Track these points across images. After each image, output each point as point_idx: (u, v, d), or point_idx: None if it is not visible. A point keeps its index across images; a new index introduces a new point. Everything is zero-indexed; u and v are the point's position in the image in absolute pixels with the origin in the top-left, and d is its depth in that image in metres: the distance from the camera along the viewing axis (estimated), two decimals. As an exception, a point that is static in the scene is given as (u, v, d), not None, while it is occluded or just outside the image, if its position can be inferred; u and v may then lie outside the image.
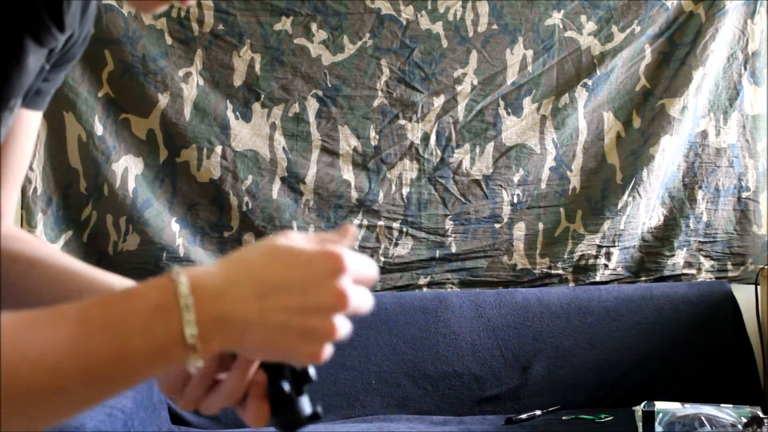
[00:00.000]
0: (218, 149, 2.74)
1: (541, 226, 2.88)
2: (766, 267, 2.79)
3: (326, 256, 0.59)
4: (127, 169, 2.69)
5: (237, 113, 2.75)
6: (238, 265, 0.58)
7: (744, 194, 2.92)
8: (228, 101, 2.75)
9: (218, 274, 0.57)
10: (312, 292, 0.58)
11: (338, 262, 0.59)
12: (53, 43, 0.74)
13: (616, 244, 2.87)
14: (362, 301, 0.62)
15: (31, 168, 2.61)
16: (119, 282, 0.80)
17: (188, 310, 0.55)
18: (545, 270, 2.88)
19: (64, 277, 0.80)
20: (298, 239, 0.61)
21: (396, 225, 2.84)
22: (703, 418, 2.20)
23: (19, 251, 0.84)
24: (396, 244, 2.84)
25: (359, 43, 2.79)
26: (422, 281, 2.86)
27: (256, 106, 2.77)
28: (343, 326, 0.61)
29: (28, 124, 0.86)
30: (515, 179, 2.86)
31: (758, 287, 2.80)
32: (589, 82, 2.85)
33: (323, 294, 0.58)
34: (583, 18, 2.85)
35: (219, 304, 0.56)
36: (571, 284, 2.89)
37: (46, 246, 0.88)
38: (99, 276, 0.81)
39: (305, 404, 0.68)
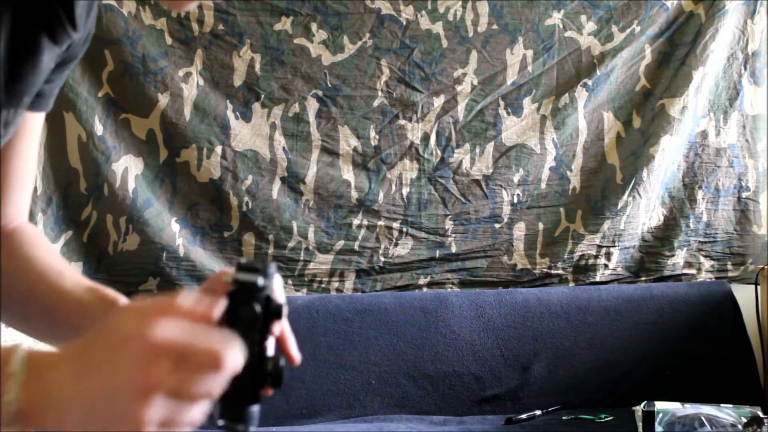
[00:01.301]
0: (218, 149, 2.74)
1: (541, 226, 2.88)
2: (766, 267, 2.79)
3: (134, 335, 0.55)
4: (127, 169, 2.69)
5: (237, 113, 2.75)
6: (78, 344, 0.58)
7: (744, 194, 2.92)
8: (228, 101, 2.75)
9: (57, 354, 0.58)
10: (118, 373, 0.56)
11: (143, 341, 0.55)
12: (67, 41, 0.74)
13: (616, 244, 2.87)
14: (187, 383, 0.56)
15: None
16: (96, 296, 0.82)
17: (15, 377, 0.56)
18: (545, 270, 2.88)
19: (49, 301, 0.82)
20: (132, 315, 0.58)
21: (396, 225, 2.84)
22: (703, 418, 2.20)
23: (21, 253, 0.85)
24: (396, 244, 2.84)
25: (359, 43, 2.79)
26: (422, 281, 2.86)
27: (256, 106, 2.77)
28: (157, 411, 0.55)
29: (32, 125, 0.86)
30: (515, 179, 2.86)
31: (758, 287, 2.80)
32: (589, 82, 2.85)
33: (127, 375, 0.55)
34: (583, 18, 2.85)
35: (44, 380, 0.57)
36: (571, 284, 2.89)
37: (45, 256, 0.88)
38: (73, 297, 0.82)
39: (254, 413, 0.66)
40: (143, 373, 0.55)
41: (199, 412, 0.58)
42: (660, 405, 2.27)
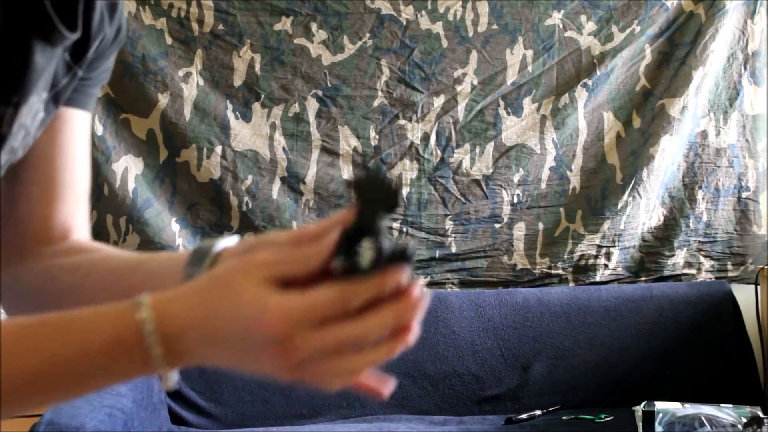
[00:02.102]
0: (218, 149, 2.74)
1: (541, 226, 2.88)
2: (766, 267, 2.79)
3: (264, 327, 0.56)
4: (127, 169, 2.69)
5: (237, 113, 2.75)
6: (202, 304, 0.58)
7: (744, 194, 2.92)
8: (228, 101, 2.75)
9: (182, 310, 0.58)
10: (255, 359, 0.58)
11: (274, 335, 0.56)
12: (64, 42, 0.74)
13: (616, 244, 2.88)
14: (327, 341, 0.56)
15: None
16: (167, 265, 0.79)
17: (155, 347, 0.58)
18: (545, 270, 2.88)
19: (114, 283, 0.80)
20: (257, 274, 0.58)
21: (396, 225, 2.84)
22: (703, 418, 2.20)
23: (76, 264, 0.84)
24: (396, 244, 2.83)
25: (359, 43, 2.79)
26: (422, 281, 2.85)
27: (256, 106, 2.77)
28: (300, 364, 0.57)
29: (73, 123, 0.85)
30: (515, 179, 2.86)
31: (758, 287, 2.80)
32: (589, 82, 2.85)
33: (266, 364, 0.58)
34: (583, 18, 2.85)
35: (179, 345, 0.58)
36: (571, 284, 2.89)
37: (107, 253, 0.86)
38: (149, 268, 0.81)
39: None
40: (281, 357, 0.56)
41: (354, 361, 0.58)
42: (660, 405, 2.27)
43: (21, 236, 0.86)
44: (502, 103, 2.84)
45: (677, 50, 2.86)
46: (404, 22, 2.80)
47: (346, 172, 2.80)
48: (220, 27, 2.74)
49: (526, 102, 2.85)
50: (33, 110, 0.76)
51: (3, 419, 0.60)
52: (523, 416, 2.54)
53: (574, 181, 2.88)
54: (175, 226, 2.74)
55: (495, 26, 2.83)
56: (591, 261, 2.88)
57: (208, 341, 0.58)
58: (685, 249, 2.91)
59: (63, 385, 0.59)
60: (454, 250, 2.86)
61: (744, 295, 2.81)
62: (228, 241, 0.69)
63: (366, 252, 0.58)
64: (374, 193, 0.59)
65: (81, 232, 0.89)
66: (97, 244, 0.90)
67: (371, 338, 0.58)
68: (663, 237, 2.91)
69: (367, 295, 0.57)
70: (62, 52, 0.77)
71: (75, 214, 0.88)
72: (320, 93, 2.79)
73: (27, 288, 0.86)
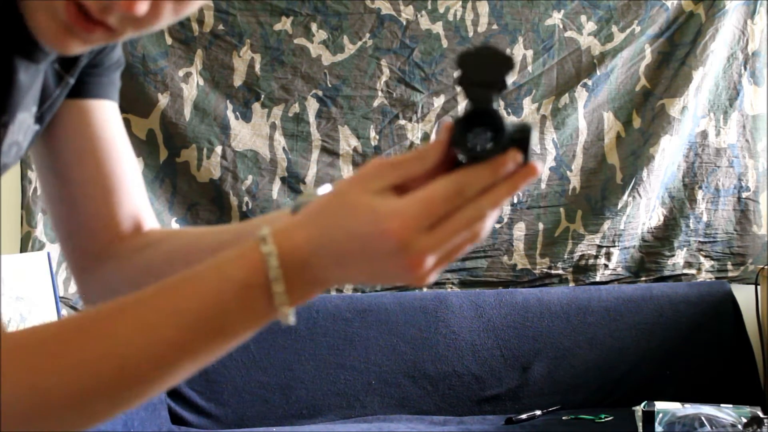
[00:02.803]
0: (218, 149, 2.74)
1: (541, 226, 2.88)
2: (766, 267, 2.79)
3: (383, 237, 0.55)
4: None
5: (237, 113, 2.76)
6: (319, 227, 0.58)
7: (744, 194, 2.92)
8: (228, 101, 2.75)
9: (302, 238, 0.58)
10: (382, 269, 0.57)
11: (394, 243, 0.55)
12: (47, 58, 0.74)
13: (616, 244, 2.87)
14: (445, 242, 0.56)
15: (31, 168, 2.61)
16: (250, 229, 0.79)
17: (278, 282, 0.57)
18: (545, 270, 2.88)
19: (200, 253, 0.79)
20: (372, 185, 0.57)
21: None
22: (703, 418, 2.20)
23: (169, 252, 0.83)
24: (396, 244, 2.84)
25: (359, 43, 2.79)
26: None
27: (256, 106, 2.77)
28: (435, 269, 0.57)
29: (104, 113, 0.84)
30: (515, 179, 2.85)
31: (758, 287, 2.80)
32: (589, 82, 2.85)
33: (392, 272, 0.57)
34: (583, 18, 2.85)
35: (305, 274, 0.58)
36: (571, 284, 2.89)
37: (194, 234, 0.86)
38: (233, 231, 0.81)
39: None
40: (411, 268, 0.56)
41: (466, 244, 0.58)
42: (660, 405, 2.27)
43: (93, 238, 0.85)
44: (502, 103, 2.84)
45: (677, 50, 2.86)
46: (404, 22, 2.80)
47: (346, 172, 2.81)
48: (220, 27, 2.74)
49: (526, 102, 2.85)
50: (24, 126, 0.76)
51: (145, 399, 0.59)
52: (523, 416, 2.54)
53: (574, 181, 2.88)
54: (175, 226, 2.74)
55: (495, 26, 2.83)
56: (591, 261, 2.88)
57: (334, 262, 0.57)
58: (685, 249, 2.91)
59: (205, 343, 0.58)
60: (454, 250, 2.86)
61: (744, 295, 2.81)
62: (328, 187, 0.68)
63: (481, 136, 0.55)
64: (483, 70, 0.55)
65: (151, 220, 0.88)
66: (177, 229, 0.89)
67: (487, 220, 0.57)
68: (663, 237, 2.91)
69: (484, 181, 0.56)
70: (51, 62, 0.77)
71: (139, 204, 0.87)
72: (320, 93, 2.79)
73: (124, 289, 0.83)
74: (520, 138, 0.56)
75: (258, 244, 0.57)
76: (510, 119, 2.80)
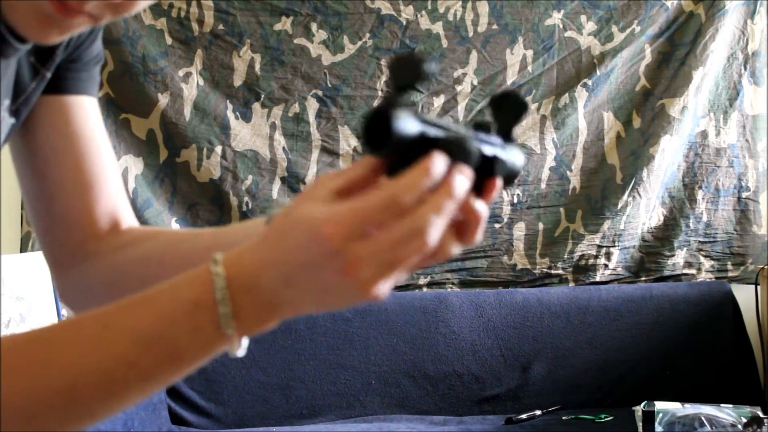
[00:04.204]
0: (218, 149, 2.74)
1: (541, 226, 2.88)
2: (766, 267, 2.79)
3: (318, 242, 0.54)
4: (127, 169, 2.69)
5: (237, 113, 2.75)
6: (268, 247, 0.57)
7: (744, 194, 2.92)
8: (228, 101, 2.75)
9: (251, 261, 0.57)
10: (324, 281, 0.55)
11: (327, 248, 0.53)
12: (17, 53, 0.74)
13: (616, 244, 2.87)
14: (386, 267, 0.54)
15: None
16: (240, 233, 0.77)
17: (224, 303, 0.56)
18: (545, 270, 2.88)
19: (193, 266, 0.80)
20: (314, 194, 0.56)
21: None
22: (703, 418, 2.20)
23: (145, 253, 0.82)
24: (396, 244, 2.84)
25: (359, 43, 2.79)
26: (422, 281, 2.86)
27: (256, 106, 2.77)
28: (376, 274, 0.54)
29: (82, 110, 0.83)
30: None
31: (758, 287, 2.80)
32: (589, 82, 2.85)
33: (333, 281, 0.55)
34: (583, 18, 2.85)
35: (253, 297, 0.56)
36: (571, 284, 2.89)
37: (174, 236, 0.85)
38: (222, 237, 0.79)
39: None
40: (348, 274, 0.53)
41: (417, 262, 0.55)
42: (660, 405, 2.27)
43: (70, 235, 0.85)
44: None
45: (677, 50, 2.86)
46: (404, 22, 2.80)
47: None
48: (220, 27, 2.74)
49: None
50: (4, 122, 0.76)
51: (95, 418, 0.58)
52: (523, 416, 2.54)
53: (574, 181, 2.88)
54: (175, 226, 2.74)
55: (495, 26, 2.83)
56: (591, 261, 2.88)
57: (283, 283, 0.56)
58: (685, 249, 2.91)
59: (156, 363, 0.56)
60: (454, 250, 2.86)
61: (744, 295, 2.81)
62: None
63: (411, 140, 0.54)
64: (400, 75, 0.57)
65: (129, 218, 0.87)
66: (155, 229, 0.89)
67: (429, 227, 0.54)
68: (663, 237, 2.91)
69: (419, 187, 0.54)
70: (27, 56, 0.77)
71: (117, 201, 0.86)
72: (320, 93, 2.79)
73: (98, 289, 0.84)
74: (451, 142, 0.56)
75: (209, 265, 0.57)
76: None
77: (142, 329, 0.56)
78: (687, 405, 2.28)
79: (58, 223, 0.85)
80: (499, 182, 0.58)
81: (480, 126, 0.58)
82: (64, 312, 2.68)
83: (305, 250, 0.54)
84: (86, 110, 0.84)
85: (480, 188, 0.58)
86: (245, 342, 0.57)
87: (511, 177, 0.56)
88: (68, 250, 0.85)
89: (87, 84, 0.84)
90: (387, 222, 0.53)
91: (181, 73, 2.72)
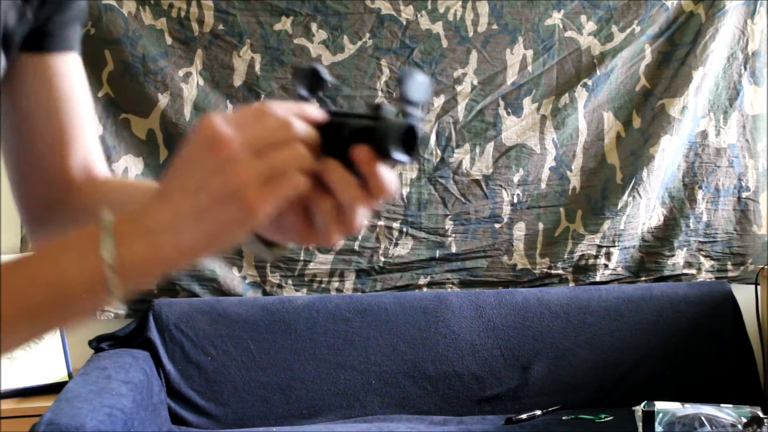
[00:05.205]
0: (218, 149, 2.74)
1: (541, 226, 2.88)
2: (766, 267, 2.79)
3: (197, 130, 0.56)
4: (127, 169, 2.69)
5: (237, 113, 2.75)
6: (157, 189, 0.59)
7: (744, 194, 2.92)
8: (228, 101, 2.75)
9: (139, 204, 0.59)
10: (195, 163, 0.56)
11: (202, 123, 0.56)
12: None
13: (616, 244, 2.88)
14: (255, 130, 0.56)
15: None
16: None
17: (108, 232, 0.57)
18: (545, 270, 2.88)
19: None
20: (196, 134, 0.58)
21: (396, 225, 2.84)
22: (703, 418, 2.20)
23: (115, 203, 0.82)
24: (396, 244, 2.84)
25: (359, 43, 2.79)
26: (422, 281, 2.86)
27: (256, 106, 2.76)
28: (250, 165, 0.55)
29: (64, 66, 0.85)
30: (515, 179, 2.86)
31: (758, 287, 2.80)
32: (589, 82, 2.85)
33: (202, 156, 0.56)
34: (583, 18, 2.85)
35: (137, 221, 0.57)
36: (571, 284, 2.89)
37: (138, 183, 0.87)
38: None
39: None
40: (212, 147, 0.55)
41: (298, 177, 0.57)
42: (660, 405, 2.27)
43: (44, 189, 0.87)
44: (502, 103, 2.84)
45: (677, 50, 2.86)
46: (404, 22, 2.80)
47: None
48: (220, 27, 2.74)
49: (526, 102, 2.85)
50: None
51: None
52: (523, 416, 2.54)
53: (574, 181, 2.88)
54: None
55: (495, 26, 2.83)
56: (591, 261, 2.88)
57: (158, 197, 0.57)
58: (685, 249, 2.91)
59: (41, 299, 0.58)
60: (454, 250, 2.86)
61: (744, 295, 2.81)
62: None
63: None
64: (304, 82, 0.69)
65: (103, 170, 0.89)
66: (125, 181, 0.90)
67: (298, 154, 0.57)
68: (663, 237, 2.91)
69: (280, 110, 0.59)
70: None
71: (91, 152, 0.88)
72: (320, 93, 2.78)
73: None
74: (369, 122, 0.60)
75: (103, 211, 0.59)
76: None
77: (31, 266, 0.58)
78: (687, 405, 2.28)
79: (37, 176, 0.87)
80: (364, 149, 0.59)
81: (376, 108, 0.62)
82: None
83: (187, 144, 0.57)
84: (68, 67, 0.86)
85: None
86: (131, 287, 0.58)
87: (384, 143, 0.59)
88: (42, 203, 0.87)
89: (70, 40, 0.86)
90: (261, 126, 0.57)
91: (181, 73, 2.72)
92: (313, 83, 0.68)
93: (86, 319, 0.60)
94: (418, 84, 0.61)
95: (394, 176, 0.60)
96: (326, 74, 0.67)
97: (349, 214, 0.60)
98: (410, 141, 0.59)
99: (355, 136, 0.60)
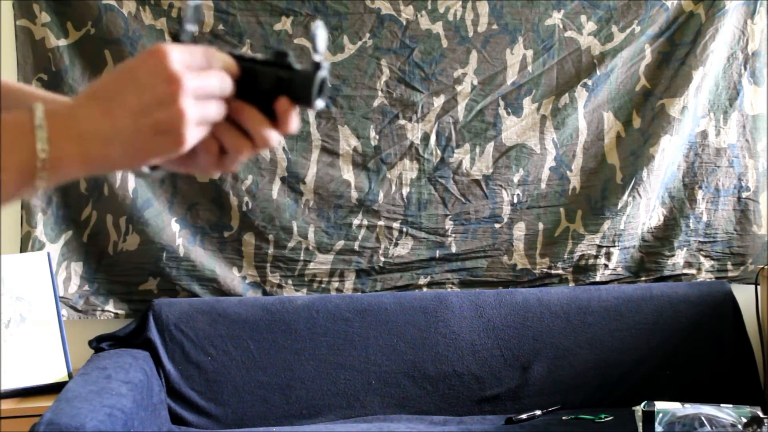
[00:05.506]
0: (218, 149, 2.74)
1: (541, 226, 2.88)
2: (766, 267, 2.79)
3: (148, 52, 0.61)
4: (127, 169, 2.69)
5: (237, 113, 2.75)
6: (88, 91, 0.61)
7: (744, 194, 2.92)
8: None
9: (71, 102, 0.61)
10: (144, 88, 0.60)
11: (158, 53, 0.60)
12: None
13: (616, 244, 2.88)
14: (203, 81, 0.63)
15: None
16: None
17: (41, 128, 0.58)
18: (545, 270, 2.88)
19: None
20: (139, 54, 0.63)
21: (396, 225, 2.84)
22: (703, 418, 2.20)
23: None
24: (396, 244, 2.84)
25: (359, 43, 2.79)
26: (422, 281, 2.86)
27: (256, 106, 2.76)
28: (192, 108, 0.62)
29: None
30: (515, 179, 2.86)
31: (758, 287, 2.80)
32: (589, 82, 2.85)
33: (154, 85, 0.60)
34: (583, 18, 2.85)
35: (71, 123, 0.59)
36: (571, 284, 2.89)
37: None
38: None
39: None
40: (167, 82, 0.60)
41: (218, 107, 0.65)
42: (660, 405, 2.27)
43: None
44: (502, 103, 2.84)
45: (677, 50, 2.86)
46: (404, 22, 2.80)
47: (347, 171, 2.81)
48: (220, 27, 2.74)
49: (526, 102, 2.85)
50: None
51: None
52: (523, 416, 2.54)
53: (574, 181, 2.88)
54: (175, 226, 2.74)
55: (495, 26, 2.83)
56: (591, 261, 2.88)
57: (102, 111, 0.60)
58: (685, 249, 2.91)
59: None
60: (454, 250, 2.86)
61: (744, 295, 2.81)
62: None
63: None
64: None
65: None
66: (12, 85, 0.90)
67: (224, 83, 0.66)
68: (663, 237, 2.91)
69: (217, 64, 0.66)
70: None
71: None
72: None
73: None
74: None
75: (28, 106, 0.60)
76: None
77: None
78: (687, 405, 2.28)
79: None
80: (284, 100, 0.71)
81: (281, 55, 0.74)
82: (64, 312, 2.68)
83: (131, 61, 0.61)
84: None
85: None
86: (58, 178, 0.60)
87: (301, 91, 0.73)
88: None
89: None
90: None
91: (181, 73, 2.71)
92: (197, 17, 0.72)
93: (3, 206, 0.62)
94: (323, 35, 0.73)
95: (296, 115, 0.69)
96: (201, 7, 0.71)
97: (257, 148, 0.69)
98: (322, 89, 0.71)
99: (276, 87, 0.71)
